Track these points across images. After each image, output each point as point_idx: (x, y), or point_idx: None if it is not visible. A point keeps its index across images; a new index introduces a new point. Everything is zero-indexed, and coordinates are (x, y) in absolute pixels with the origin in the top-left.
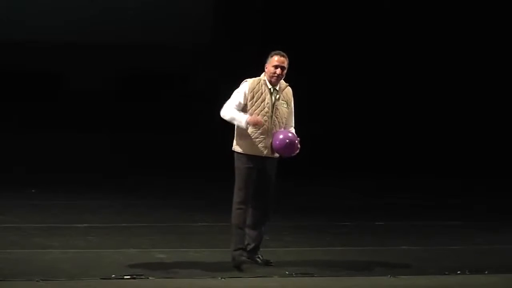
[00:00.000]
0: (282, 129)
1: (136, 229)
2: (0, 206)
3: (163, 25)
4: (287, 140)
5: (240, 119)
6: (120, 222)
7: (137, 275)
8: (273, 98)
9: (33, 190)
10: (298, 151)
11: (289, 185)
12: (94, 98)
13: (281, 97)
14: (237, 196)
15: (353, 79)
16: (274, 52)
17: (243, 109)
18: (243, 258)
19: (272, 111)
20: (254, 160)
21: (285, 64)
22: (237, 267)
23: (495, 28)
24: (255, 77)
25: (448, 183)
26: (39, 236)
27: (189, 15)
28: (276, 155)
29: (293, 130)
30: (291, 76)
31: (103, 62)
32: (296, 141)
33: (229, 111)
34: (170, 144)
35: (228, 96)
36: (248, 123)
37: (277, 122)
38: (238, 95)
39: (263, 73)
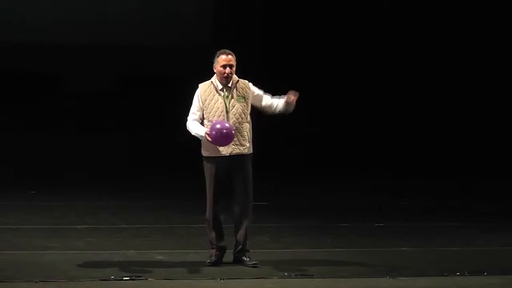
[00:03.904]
0: (220, 119)
1: (135, 231)
2: None
3: (163, 26)
4: (224, 131)
5: (201, 133)
6: (119, 224)
7: (136, 276)
8: (225, 96)
9: (32, 192)
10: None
11: (288, 186)
12: (93, 99)
13: (235, 93)
14: (208, 198)
15: (352, 79)
16: (220, 51)
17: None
18: (213, 258)
19: (227, 109)
20: (222, 161)
21: (233, 62)
22: (210, 264)
23: (495, 28)
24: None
25: (448, 184)
26: (38, 237)
27: (189, 16)
28: (248, 151)
29: (275, 98)
30: (290, 76)
31: (103, 63)
32: (233, 132)
33: (192, 126)
34: (170, 144)
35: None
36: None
37: (235, 119)
38: (194, 102)
39: (214, 75)
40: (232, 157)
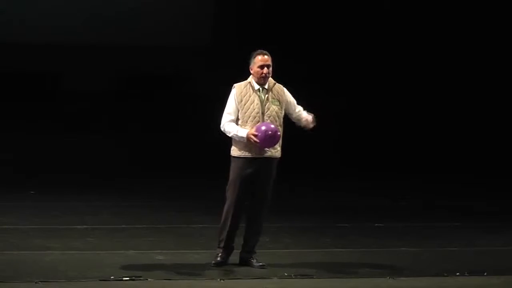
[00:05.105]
0: (265, 121)
1: (135, 231)
2: None
3: (163, 26)
4: (270, 132)
5: (241, 135)
6: (119, 224)
7: (136, 276)
8: (261, 98)
9: (32, 192)
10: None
11: (288, 186)
12: (93, 99)
13: (271, 95)
14: (229, 197)
15: (352, 79)
16: (256, 52)
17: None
18: (219, 259)
19: (262, 111)
20: (252, 162)
21: (270, 62)
22: (215, 265)
23: (495, 28)
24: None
25: (448, 183)
26: (38, 238)
27: (189, 16)
28: (277, 155)
29: (305, 112)
30: (289, 76)
31: (103, 63)
32: (278, 133)
33: (229, 127)
34: (170, 145)
35: (227, 97)
36: (248, 137)
37: (269, 121)
38: (230, 102)
39: (250, 75)
40: (262, 159)
